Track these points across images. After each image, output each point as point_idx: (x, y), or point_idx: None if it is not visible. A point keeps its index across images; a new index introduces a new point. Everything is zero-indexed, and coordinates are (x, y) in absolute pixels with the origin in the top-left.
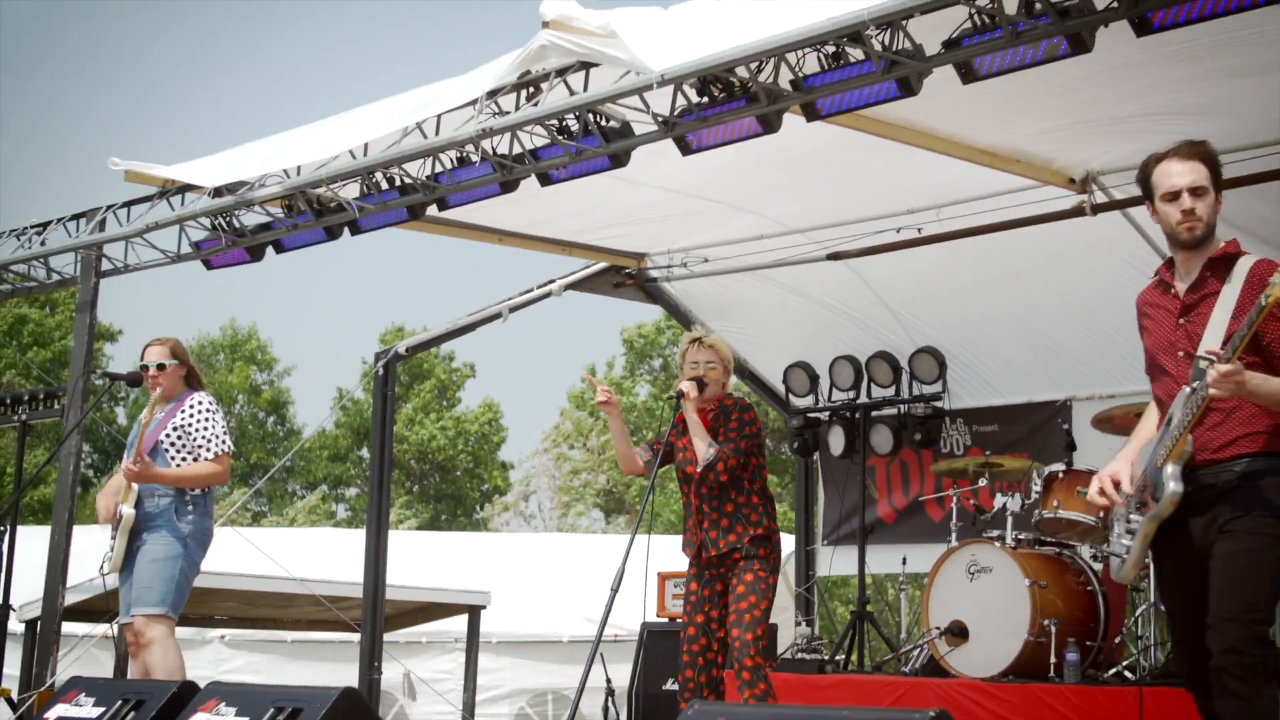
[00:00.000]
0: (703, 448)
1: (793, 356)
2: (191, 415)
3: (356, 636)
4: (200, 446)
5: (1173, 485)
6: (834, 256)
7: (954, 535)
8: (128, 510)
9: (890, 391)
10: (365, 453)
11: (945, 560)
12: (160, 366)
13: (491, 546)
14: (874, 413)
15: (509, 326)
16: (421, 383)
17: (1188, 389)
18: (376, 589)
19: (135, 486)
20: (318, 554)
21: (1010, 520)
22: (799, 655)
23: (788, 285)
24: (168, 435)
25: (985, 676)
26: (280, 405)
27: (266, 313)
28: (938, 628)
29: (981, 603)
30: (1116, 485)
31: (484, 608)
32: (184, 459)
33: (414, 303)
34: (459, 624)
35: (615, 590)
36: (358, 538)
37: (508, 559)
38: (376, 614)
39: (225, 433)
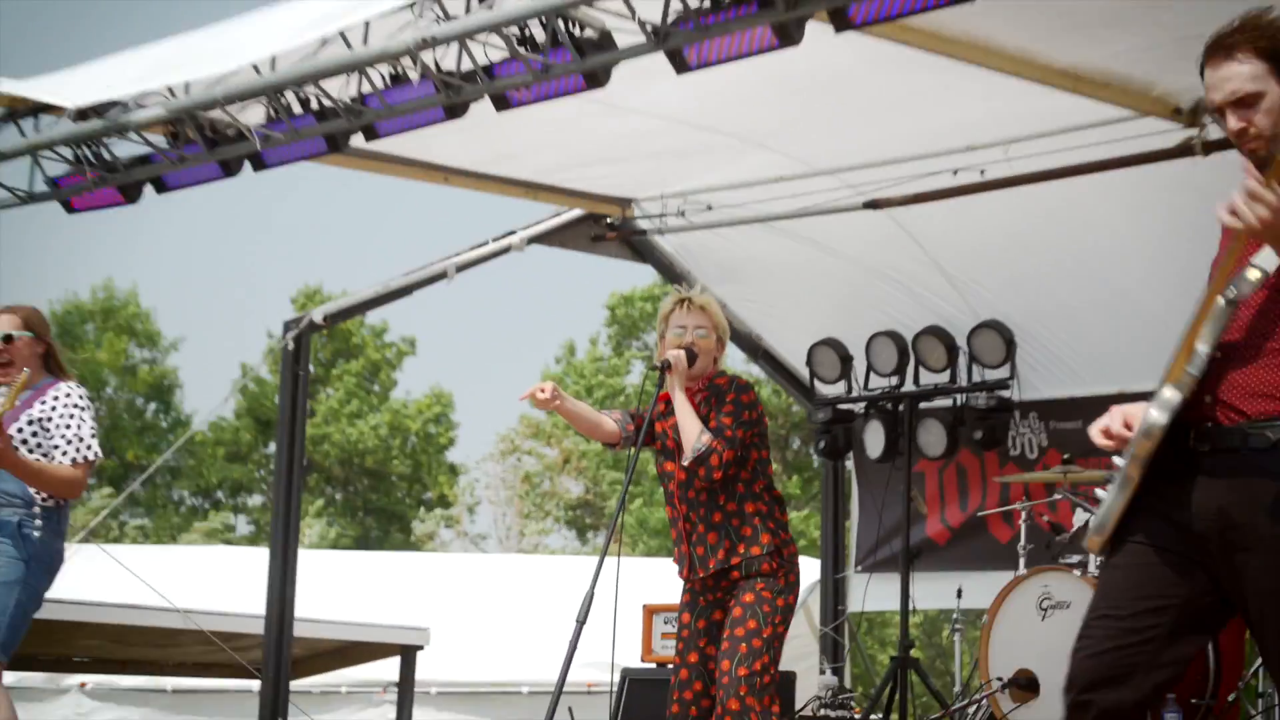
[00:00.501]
0: (692, 433)
1: (820, 332)
2: (54, 408)
3: (256, 685)
4: (57, 447)
5: (1153, 413)
6: (873, 205)
7: (1023, 561)
8: None
9: (944, 378)
10: (273, 449)
11: (1011, 592)
12: (7, 339)
13: (433, 571)
14: (922, 404)
15: (458, 291)
16: (346, 362)
17: (1222, 300)
18: (282, 624)
19: None
20: (209, 578)
21: None
22: (823, 713)
23: (813, 241)
24: (21, 429)
25: None
26: (165, 389)
27: (149, 272)
28: (1000, 679)
29: (1057, 647)
30: (1129, 427)
31: (421, 648)
32: (37, 461)
33: (335, 259)
34: (389, 669)
35: (582, 623)
36: (262, 558)
37: (453, 587)
38: (282, 656)
39: (94, 436)
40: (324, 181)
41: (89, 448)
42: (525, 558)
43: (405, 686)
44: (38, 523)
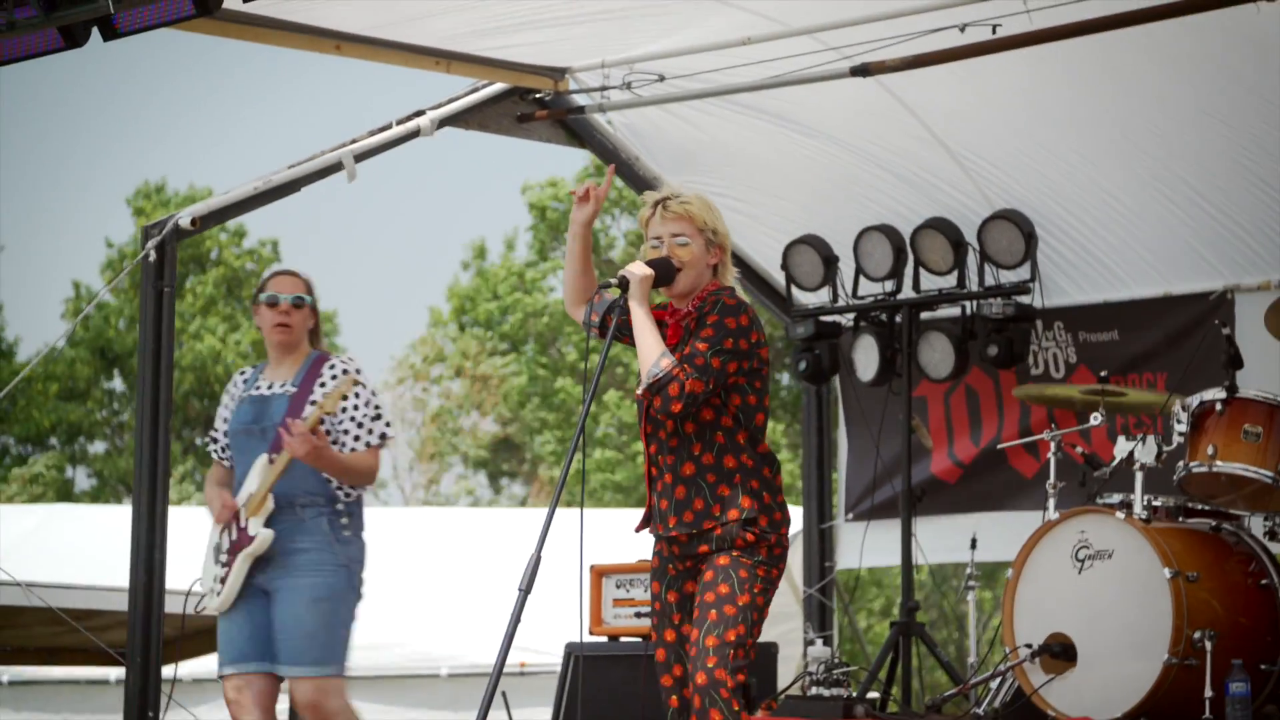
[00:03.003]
0: (650, 355)
1: (798, 229)
2: (335, 378)
3: (116, 672)
4: (346, 432)
5: None
6: (862, 71)
7: (1053, 502)
8: (264, 533)
9: (950, 281)
10: (117, 385)
11: (1041, 540)
12: (298, 303)
13: None
14: (924, 314)
15: (348, 189)
16: (200, 273)
17: None
18: (151, 598)
19: (270, 497)
20: (51, 543)
21: (1140, 478)
22: (815, 690)
23: (789, 117)
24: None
25: (1105, 719)
26: None
27: None
28: (1029, 646)
29: (1096, 607)
30: None
31: None
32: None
33: (193, 148)
34: None
35: (525, 592)
36: (114, 517)
37: None
38: (152, 637)
39: (380, 412)
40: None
41: (386, 425)
42: (439, 511)
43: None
44: (345, 520)
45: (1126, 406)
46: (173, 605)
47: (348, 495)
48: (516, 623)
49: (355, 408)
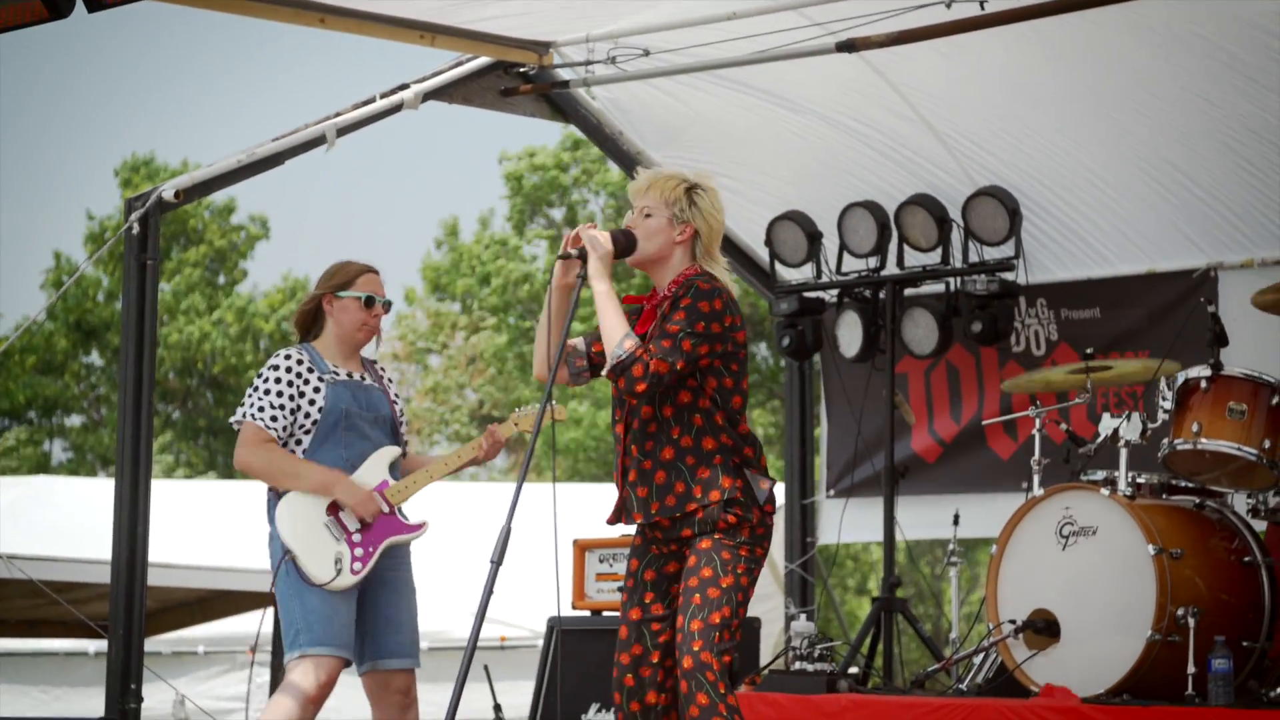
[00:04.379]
0: (614, 335)
1: (782, 204)
2: (392, 381)
3: (96, 645)
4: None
5: None
6: (847, 47)
7: (1036, 479)
8: (425, 523)
9: (934, 258)
10: (95, 359)
11: (1023, 518)
12: (387, 306)
13: None
14: (908, 291)
15: (330, 163)
16: (184, 250)
17: None
18: (134, 571)
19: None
20: (31, 515)
21: (1125, 455)
22: (798, 665)
23: (773, 93)
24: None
25: (1087, 696)
26: None
27: None
28: (1013, 621)
29: (1080, 583)
30: None
31: None
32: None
33: (177, 120)
34: (256, 623)
35: (497, 564)
36: (94, 490)
37: None
38: (135, 610)
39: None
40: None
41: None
42: None
43: (279, 646)
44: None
45: (1111, 382)
46: (153, 579)
47: None
48: (489, 595)
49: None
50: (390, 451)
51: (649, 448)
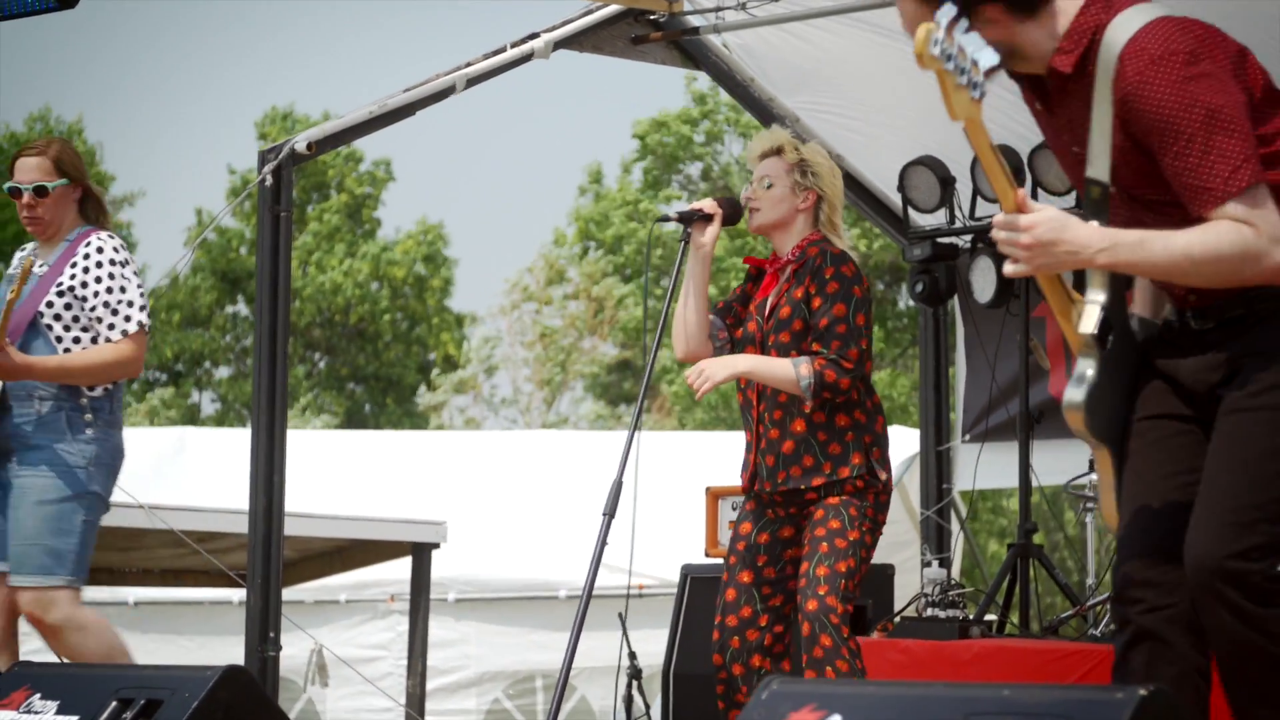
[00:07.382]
0: (786, 370)
1: (915, 149)
2: (87, 269)
3: (239, 594)
4: (100, 320)
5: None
6: None
7: None
8: None
9: (1070, 200)
10: (241, 309)
11: None
12: (40, 191)
13: (446, 452)
14: None
15: (459, 112)
16: (322, 200)
17: None
18: (271, 521)
19: None
20: (174, 467)
21: None
22: (930, 612)
23: (907, 35)
24: (51, 304)
25: None
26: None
27: (91, 98)
28: None
29: None
30: None
31: (436, 546)
32: (76, 339)
33: (315, 74)
34: (398, 571)
35: (610, 515)
36: (235, 441)
37: (471, 471)
38: (272, 559)
39: (142, 296)
40: None
41: (141, 311)
42: (558, 434)
43: (418, 592)
44: (87, 417)
45: None
46: (291, 529)
47: (91, 388)
48: (602, 545)
49: (108, 290)
50: None
51: (779, 417)
